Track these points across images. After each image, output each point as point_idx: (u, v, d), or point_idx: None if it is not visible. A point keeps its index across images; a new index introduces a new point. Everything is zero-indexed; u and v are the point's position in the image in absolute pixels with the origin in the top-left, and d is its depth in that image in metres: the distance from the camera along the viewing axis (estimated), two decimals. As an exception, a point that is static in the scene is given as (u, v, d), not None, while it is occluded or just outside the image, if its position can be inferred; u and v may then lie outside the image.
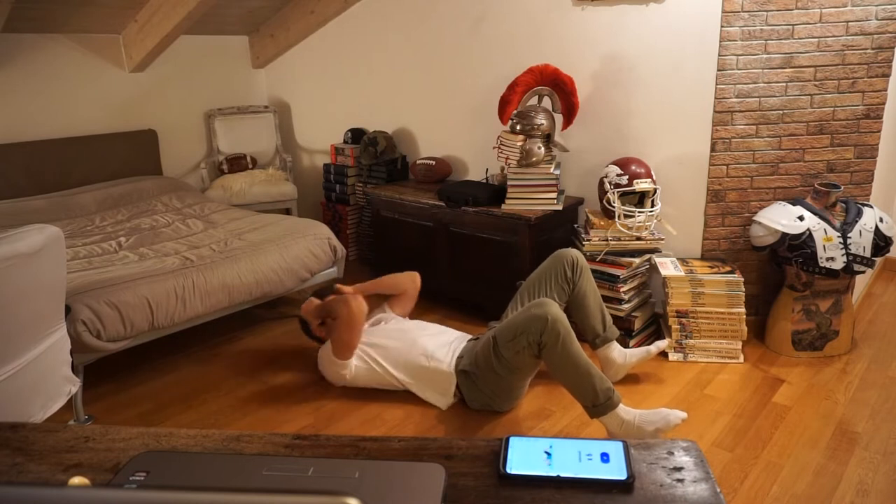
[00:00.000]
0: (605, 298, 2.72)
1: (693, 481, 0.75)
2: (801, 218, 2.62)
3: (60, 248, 1.64)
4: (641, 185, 2.80)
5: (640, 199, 2.88)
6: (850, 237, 2.57)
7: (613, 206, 2.81)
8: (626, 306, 2.79)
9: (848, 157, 2.83)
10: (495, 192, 3.17)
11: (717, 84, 2.81)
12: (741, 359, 2.73)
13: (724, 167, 2.90)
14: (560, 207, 3.06)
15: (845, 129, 2.79)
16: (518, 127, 3.04)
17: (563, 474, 0.75)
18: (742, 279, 2.71)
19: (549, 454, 0.79)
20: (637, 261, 2.82)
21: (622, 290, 2.77)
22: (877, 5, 2.62)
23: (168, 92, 4.36)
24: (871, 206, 2.69)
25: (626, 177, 2.81)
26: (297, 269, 3.03)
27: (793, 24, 2.69)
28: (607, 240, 2.84)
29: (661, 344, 2.58)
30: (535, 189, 3.06)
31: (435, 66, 3.75)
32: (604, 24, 3.03)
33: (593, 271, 2.82)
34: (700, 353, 2.75)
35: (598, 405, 2.11)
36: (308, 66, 4.52)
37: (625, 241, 2.83)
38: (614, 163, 2.90)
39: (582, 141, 3.24)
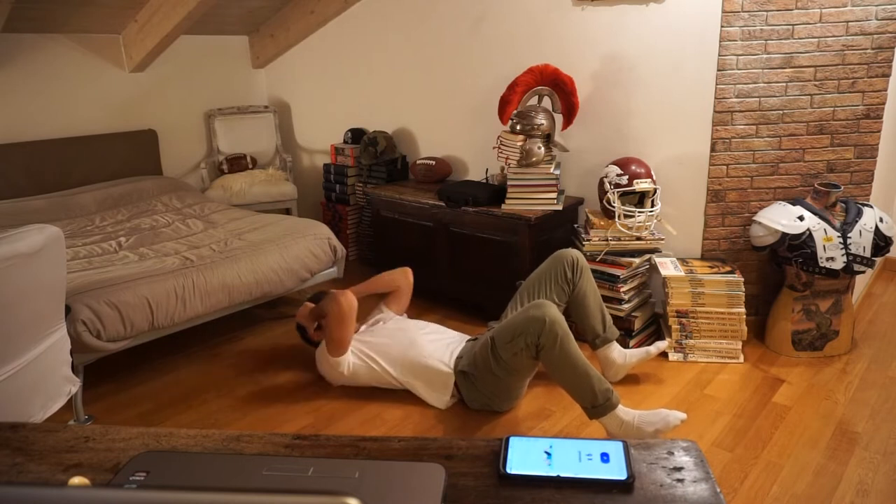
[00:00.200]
0: (605, 298, 2.72)
1: (693, 481, 0.75)
2: (801, 218, 2.62)
3: (60, 248, 1.64)
4: (641, 185, 2.80)
5: (640, 199, 2.88)
6: (850, 237, 2.57)
7: (613, 206, 2.81)
8: (626, 306, 2.79)
9: (848, 157, 2.83)
10: (495, 192, 3.17)
11: (717, 84, 2.81)
12: (741, 359, 2.73)
13: (724, 167, 2.90)
14: (560, 207, 3.06)
15: (845, 129, 2.80)
16: (518, 127, 3.04)
17: (563, 474, 0.75)
18: (742, 279, 2.71)
19: (549, 454, 0.79)
20: (637, 261, 2.82)
21: (622, 290, 2.77)
22: (877, 5, 2.62)
23: (168, 92, 4.36)
24: (871, 206, 2.69)
25: (626, 177, 2.81)
26: (297, 269, 3.03)
27: (793, 24, 2.69)
28: (607, 240, 2.84)
29: (660, 345, 2.57)
30: (535, 189, 3.06)
31: (435, 66, 3.75)
32: (604, 24, 3.03)
33: (593, 271, 2.82)
34: (700, 353, 2.75)
35: (597, 406, 2.11)
36: (308, 66, 4.52)
37: (625, 241, 2.83)
38: (614, 163, 2.90)
39: (582, 141, 3.24)
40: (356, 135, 4.14)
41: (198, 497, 0.43)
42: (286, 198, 4.34)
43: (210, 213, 3.64)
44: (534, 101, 3.16)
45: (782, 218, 2.65)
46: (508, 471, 0.76)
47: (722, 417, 2.32)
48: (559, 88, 3.08)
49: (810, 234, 2.59)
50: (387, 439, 0.85)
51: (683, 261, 2.92)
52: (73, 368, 1.88)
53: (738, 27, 2.72)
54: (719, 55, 2.77)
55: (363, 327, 2.72)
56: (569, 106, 3.09)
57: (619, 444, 0.80)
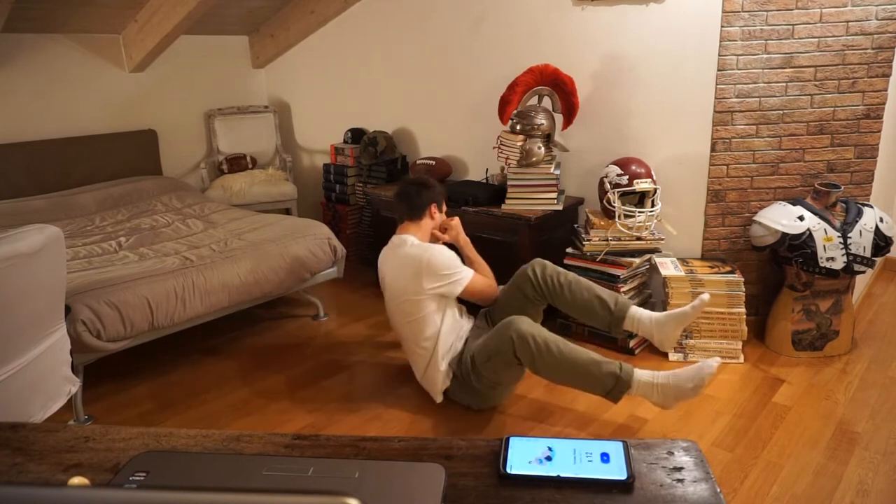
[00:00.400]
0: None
1: (693, 481, 0.75)
2: (801, 218, 2.62)
3: (60, 248, 1.64)
4: (641, 185, 2.79)
5: (641, 199, 2.88)
6: (850, 237, 2.57)
7: (613, 206, 2.81)
8: (626, 306, 2.78)
9: (848, 157, 2.83)
10: (495, 192, 3.17)
11: (717, 84, 2.81)
12: (741, 359, 2.73)
13: (724, 167, 2.90)
14: (560, 207, 3.06)
15: (845, 129, 2.79)
16: (518, 127, 3.04)
17: (563, 474, 0.75)
18: (742, 279, 2.71)
19: (549, 454, 0.79)
20: (637, 261, 2.82)
21: (622, 290, 2.76)
22: (877, 5, 2.62)
23: (168, 92, 4.36)
24: (871, 206, 2.69)
25: (627, 177, 2.81)
26: (297, 269, 3.03)
27: (793, 24, 2.69)
28: (607, 240, 2.84)
29: (704, 297, 2.29)
30: (535, 189, 3.06)
31: (435, 66, 3.75)
32: (604, 24, 3.03)
33: (593, 271, 2.82)
34: (700, 353, 2.75)
35: (611, 391, 2.11)
36: (308, 66, 4.52)
37: (625, 241, 2.83)
38: (614, 163, 2.90)
39: (582, 141, 3.24)
40: (356, 135, 4.14)
41: (198, 497, 0.43)
42: (286, 198, 4.34)
43: (210, 213, 3.64)
44: (534, 101, 3.16)
45: (782, 218, 2.65)
46: (508, 471, 0.76)
47: (722, 417, 2.32)
48: (559, 88, 3.08)
49: (810, 234, 2.58)
50: (387, 439, 0.85)
51: (683, 261, 2.92)
52: (73, 368, 1.88)
53: (738, 27, 2.72)
54: (719, 55, 2.77)
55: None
56: (569, 106, 3.09)
57: (619, 444, 0.80)
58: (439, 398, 2.43)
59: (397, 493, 0.72)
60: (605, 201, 2.89)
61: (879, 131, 2.79)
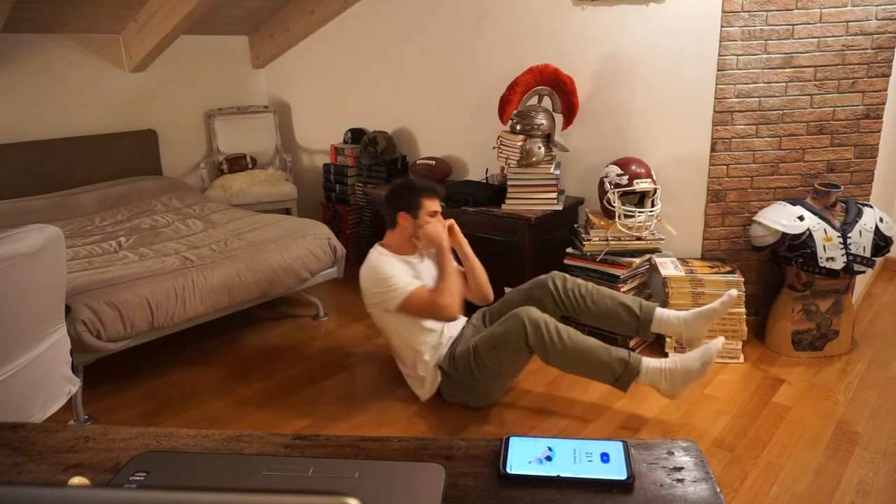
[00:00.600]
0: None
1: (693, 481, 0.75)
2: (801, 218, 2.62)
3: (60, 248, 1.64)
4: (641, 185, 2.79)
5: (641, 199, 2.88)
6: (850, 237, 2.57)
7: (613, 206, 2.81)
8: (626, 306, 2.78)
9: (848, 157, 2.83)
10: (495, 192, 3.17)
11: (717, 84, 2.81)
12: (741, 359, 2.73)
13: (724, 167, 2.90)
14: (560, 207, 3.06)
15: (845, 129, 2.79)
16: (518, 127, 3.04)
17: (563, 474, 0.75)
18: (742, 279, 2.71)
19: (549, 454, 0.79)
20: (637, 261, 2.82)
21: (622, 290, 2.76)
22: (877, 5, 2.62)
23: (168, 92, 4.36)
24: (871, 206, 2.69)
25: (627, 177, 2.81)
26: (297, 269, 3.03)
27: (793, 24, 2.69)
28: (607, 240, 2.84)
29: (732, 293, 2.29)
30: (535, 189, 3.06)
31: (435, 66, 3.75)
32: (604, 24, 3.03)
33: (593, 271, 2.82)
34: (700, 353, 2.75)
35: (620, 377, 2.13)
36: (308, 66, 4.52)
37: (625, 241, 2.83)
38: (614, 163, 2.90)
39: (582, 141, 3.24)
40: (356, 135, 4.14)
41: (198, 497, 0.43)
42: (286, 198, 4.34)
43: (210, 213, 3.64)
44: (534, 101, 3.16)
45: (782, 218, 2.65)
46: (508, 471, 0.76)
47: (722, 417, 2.32)
48: (559, 88, 3.08)
49: (810, 234, 2.58)
50: (387, 439, 0.85)
51: (683, 261, 2.92)
52: (73, 368, 1.88)
53: (738, 27, 2.72)
54: (719, 55, 2.77)
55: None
56: (569, 106, 3.09)
57: (619, 444, 0.80)
58: (424, 398, 2.46)
59: (397, 493, 0.73)
60: (605, 201, 2.89)
61: (879, 131, 2.79)
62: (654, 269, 2.90)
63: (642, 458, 0.79)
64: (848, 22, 2.66)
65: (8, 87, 3.65)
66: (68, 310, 2.24)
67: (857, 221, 2.59)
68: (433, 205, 2.45)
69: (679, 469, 0.77)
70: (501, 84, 3.15)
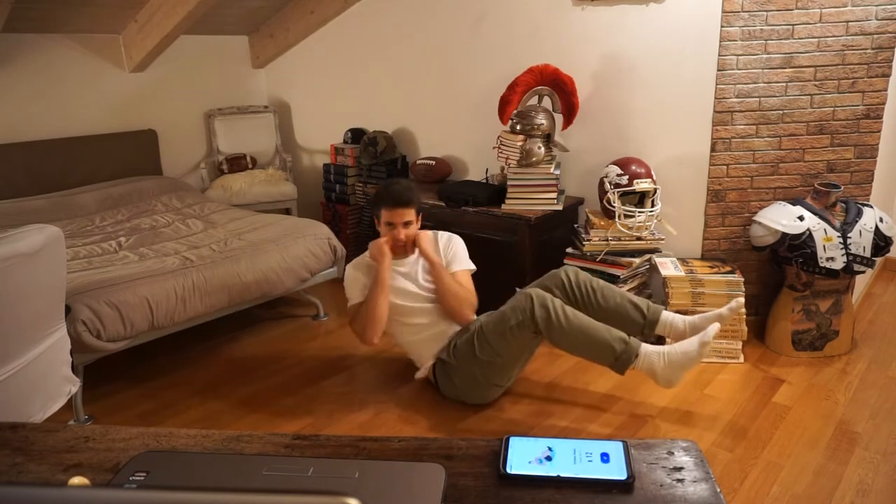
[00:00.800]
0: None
1: (693, 481, 0.75)
2: (801, 218, 2.62)
3: (60, 248, 1.64)
4: (641, 185, 2.80)
5: (641, 199, 2.88)
6: (850, 237, 2.57)
7: (613, 206, 2.81)
8: (626, 306, 2.78)
9: (848, 157, 2.83)
10: (495, 192, 3.17)
11: (717, 84, 2.81)
12: (741, 359, 2.73)
13: (724, 167, 2.90)
14: (560, 207, 3.06)
15: (845, 129, 2.79)
16: (518, 127, 3.04)
17: (563, 474, 0.75)
18: (742, 279, 2.71)
19: (549, 454, 0.79)
20: (637, 261, 2.82)
21: (622, 290, 2.76)
22: (877, 5, 2.62)
23: (168, 92, 4.36)
24: (871, 206, 2.69)
25: (627, 177, 2.81)
26: (297, 269, 3.03)
27: (793, 24, 2.69)
28: (607, 240, 2.84)
29: (740, 300, 2.31)
30: (535, 189, 3.06)
31: (435, 66, 3.75)
32: (604, 24, 3.03)
33: (593, 271, 2.81)
34: (700, 353, 2.75)
35: (619, 356, 2.13)
36: (308, 66, 4.52)
37: (625, 241, 2.83)
38: (614, 163, 2.90)
39: (582, 141, 3.24)
40: (356, 135, 4.14)
41: (198, 497, 0.43)
42: (286, 198, 4.34)
43: (210, 213, 3.64)
44: (534, 101, 3.16)
45: (782, 218, 2.65)
46: (508, 471, 0.76)
47: (722, 417, 2.32)
48: (559, 88, 3.08)
49: (810, 234, 2.58)
50: (387, 439, 0.85)
51: (683, 261, 2.92)
52: (73, 368, 1.88)
53: (738, 27, 2.72)
54: (719, 55, 2.77)
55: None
56: (569, 106, 3.09)
57: (619, 444, 0.80)
58: (419, 376, 2.52)
59: (397, 493, 0.73)
60: (605, 201, 2.89)
61: (879, 131, 2.79)
62: (654, 269, 2.90)
63: (642, 458, 0.79)
64: (848, 22, 2.66)
65: (8, 87, 3.65)
66: (68, 310, 2.24)
67: (857, 221, 2.59)
68: (391, 216, 2.42)
69: (679, 469, 0.77)
70: (501, 84, 3.15)
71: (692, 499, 0.72)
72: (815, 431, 2.22)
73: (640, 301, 2.45)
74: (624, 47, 3.01)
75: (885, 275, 3.71)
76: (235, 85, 4.73)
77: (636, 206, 2.85)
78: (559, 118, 3.15)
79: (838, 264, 2.57)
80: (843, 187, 2.73)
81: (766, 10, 2.68)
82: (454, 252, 2.55)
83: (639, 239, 2.82)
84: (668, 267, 2.82)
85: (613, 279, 2.77)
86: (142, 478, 0.76)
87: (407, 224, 2.43)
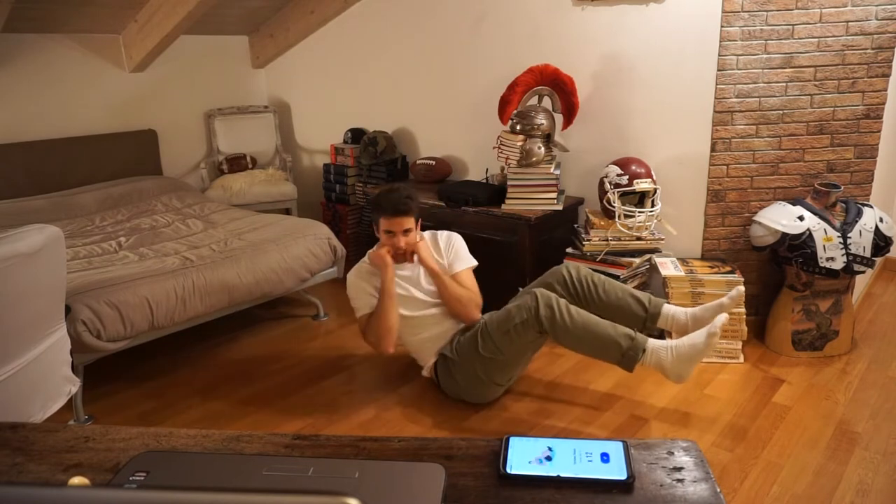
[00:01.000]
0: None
1: (693, 481, 0.75)
2: (801, 218, 2.62)
3: (60, 248, 1.64)
4: (641, 185, 2.80)
5: (641, 199, 2.88)
6: (850, 237, 2.57)
7: (613, 206, 2.81)
8: (626, 306, 2.78)
9: (848, 157, 2.83)
10: (495, 192, 3.17)
11: (717, 84, 2.81)
12: (741, 359, 2.73)
13: (724, 167, 2.90)
14: (560, 207, 3.06)
15: (845, 129, 2.79)
16: (518, 127, 3.04)
17: (563, 474, 0.75)
18: (742, 279, 2.71)
19: (549, 454, 0.79)
20: (637, 261, 2.82)
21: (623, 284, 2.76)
22: (877, 5, 2.62)
23: (168, 92, 4.36)
24: (871, 206, 2.69)
25: (627, 177, 2.81)
26: (297, 269, 3.03)
27: (793, 24, 2.69)
28: (607, 240, 2.84)
29: (741, 289, 2.32)
30: (535, 189, 3.06)
31: (435, 66, 3.75)
32: (604, 24, 3.03)
33: (593, 271, 2.81)
34: (700, 353, 2.75)
35: (626, 353, 2.12)
36: (308, 66, 4.52)
37: (625, 241, 2.83)
38: (614, 163, 2.90)
39: (582, 141, 3.24)
40: (356, 135, 4.14)
41: (198, 497, 0.43)
42: (286, 198, 4.34)
43: (210, 213, 3.64)
44: (534, 101, 3.16)
45: (782, 218, 2.65)
46: (508, 471, 0.76)
47: (722, 417, 2.32)
48: (559, 88, 3.08)
49: (810, 234, 2.58)
50: (387, 439, 0.85)
51: (683, 261, 2.92)
52: (73, 368, 1.88)
53: (738, 27, 2.72)
54: (719, 55, 2.77)
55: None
56: (569, 106, 3.09)
57: (619, 444, 0.80)
58: (425, 373, 2.52)
59: (397, 493, 0.73)
60: (605, 201, 2.89)
61: (879, 131, 2.79)
62: (654, 269, 2.90)
63: (642, 458, 0.79)
64: (848, 22, 2.66)
65: (8, 87, 3.65)
66: (68, 310, 2.24)
67: (857, 221, 2.59)
68: (390, 224, 2.41)
69: (679, 469, 0.77)
70: (501, 84, 3.15)
71: (692, 499, 0.72)
72: (815, 431, 2.22)
73: (642, 295, 2.45)
74: (624, 47, 3.01)
75: (885, 275, 3.71)
76: (235, 85, 4.73)
77: (636, 206, 2.85)
78: (559, 118, 3.15)
79: (838, 264, 2.57)
80: (843, 187, 2.73)
81: (766, 10, 2.68)
82: (455, 251, 2.55)
83: (639, 239, 2.82)
84: (668, 267, 2.82)
85: (613, 279, 2.77)
86: (142, 478, 0.76)
87: (406, 232, 2.42)
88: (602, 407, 2.41)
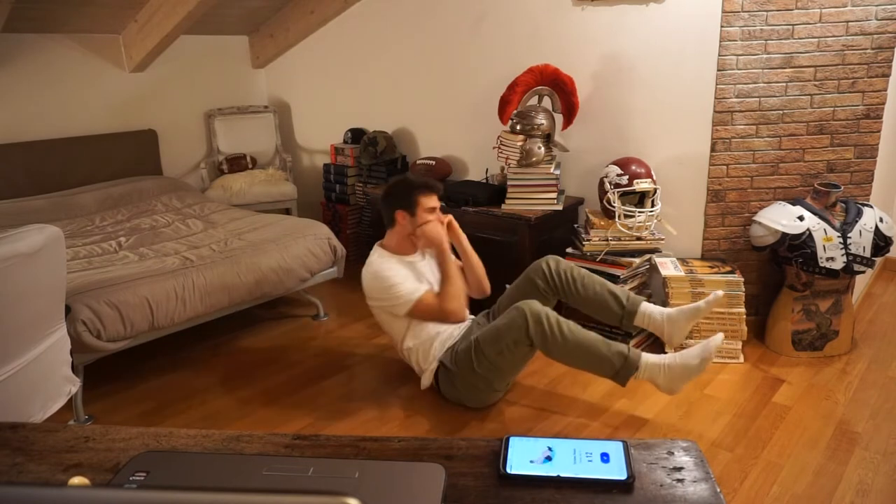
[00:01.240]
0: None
1: (693, 481, 0.75)
2: (801, 218, 2.62)
3: (60, 248, 1.64)
4: (641, 185, 2.79)
5: (641, 199, 2.88)
6: (849, 237, 2.57)
7: (613, 206, 2.81)
8: (626, 306, 2.78)
9: (848, 157, 2.83)
10: (495, 192, 3.17)
11: (717, 84, 2.81)
12: (741, 359, 2.73)
13: (724, 167, 2.90)
14: (560, 207, 3.06)
15: (845, 129, 2.79)
16: (518, 127, 3.04)
17: (563, 474, 0.75)
18: (742, 279, 2.71)
19: (549, 454, 0.79)
20: (637, 261, 2.82)
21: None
22: (877, 5, 2.62)
23: (168, 92, 4.36)
24: (871, 206, 2.69)
25: (627, 177, 2.81)
26: (297, 269, 3.03)
27: (793, 24, 2.69)
28: (607, 240, 2.84)
29: (718, 294, 2.29)
30: (535, 189, 3.06)
31: (435, 66, 3.75)
32: (604, 24, 3.03)
33: (593, 271, 2.81)
34: (700, 353, 2.75)
35: (619, 371, 2.13)
36: (308, 66, 4.52)
37: (625, 241, 2.83)
38: (614, 163, 2.90)
39: (582, 141, 3.24)
40: (356, 135, 4.14)
41: (198, 497, 0.43)
42: (286, 198, 4.34)
43: (210, 213, 3.64)
44: (534, 101, 3.16)
45: (782, 218, 2.65)
46: (508, 471, 0.76)
47: (722, 417, 2.32)
48: (559, 88, 3.08)
49: (810, 234, 2.58)
50: (387, 439, 0.85)
51: (683, 261, 2.92)
52: (73, 368, 1.88)
53: (738, 27, 2.72)
54: (719, 55, 2.77)
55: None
56: (569, 106, 3.09)
57: (619, 444, 0.80)
58: (424, 386, 2.49)
59: (397, 493, 0.73)
60: (605, 201, 2.89)
61: (879, 131, 2.79)
62: (654, 269, 2.90)
63: (642, 458, 0.79)
64: (848, 22, 2.65)
65: (8, 87, 3.65)
66: (68, 310, 2.24)
67: (857, 221, 2.59)
68: (430, 201, 2.42)
69: (679, 469, 0.77)
70: (501, 84, 3.15)
71: (692, 499, 0.72)
72: (815, 431, 2.22)
73: (621, 292, 2.44)
74: (624, 47, 3.00)
75: (885, 275, 3.71)
76: (235, 85, 4.73)
77: (636, 206, 2.85)
78: (559, 118, 3.15)
79: (838, 264, 2.57)
80: (843, 187, 2.73)
81: (766, 10, 2.68)
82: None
83: (639, 239, 2.82)
84: (668, 267, 2.82)
85: (613, 279, 2.77)
86: (142, 478, 0.76)
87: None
88: (602, 407, 2.41)
